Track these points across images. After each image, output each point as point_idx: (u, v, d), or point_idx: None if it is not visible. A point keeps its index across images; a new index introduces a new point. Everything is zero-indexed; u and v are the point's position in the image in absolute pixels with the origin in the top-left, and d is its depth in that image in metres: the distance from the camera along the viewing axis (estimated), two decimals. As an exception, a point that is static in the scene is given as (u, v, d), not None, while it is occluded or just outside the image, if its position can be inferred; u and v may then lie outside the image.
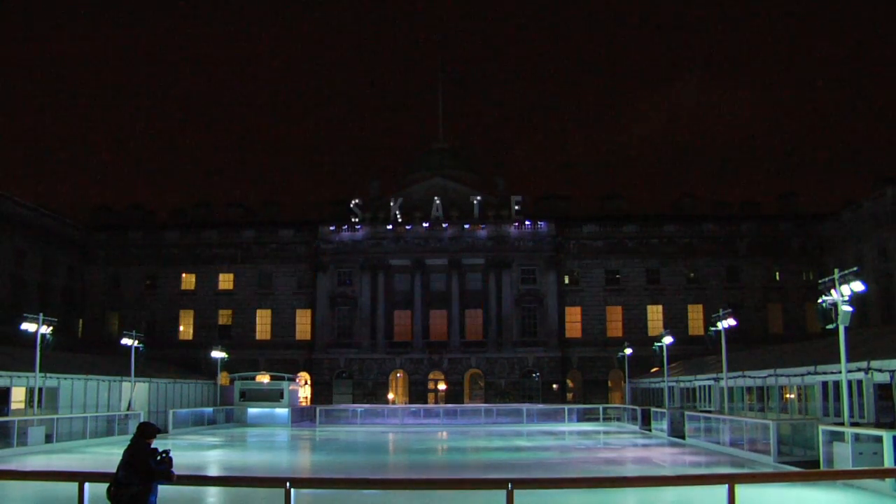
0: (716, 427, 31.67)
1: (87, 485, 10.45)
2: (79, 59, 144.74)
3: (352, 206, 62.10)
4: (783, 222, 62.75)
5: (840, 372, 22.51)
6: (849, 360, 22.23)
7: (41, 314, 32.92)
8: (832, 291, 21.34)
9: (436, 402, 60.19)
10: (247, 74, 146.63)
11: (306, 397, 61.26)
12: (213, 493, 18.09)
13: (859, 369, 24.45)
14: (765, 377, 33.24)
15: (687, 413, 36.25)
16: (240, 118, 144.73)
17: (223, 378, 56.31)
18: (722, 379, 34.75)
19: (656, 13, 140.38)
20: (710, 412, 35.50)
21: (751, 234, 62.33)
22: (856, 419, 24.09)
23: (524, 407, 52.87)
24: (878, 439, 18.41)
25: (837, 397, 25.40)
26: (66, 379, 38.05)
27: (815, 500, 17.96)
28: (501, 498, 9.79)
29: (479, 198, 62.03)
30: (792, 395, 31.60)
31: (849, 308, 20.94)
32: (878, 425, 21.66)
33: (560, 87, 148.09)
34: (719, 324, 32.92)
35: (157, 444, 10.64)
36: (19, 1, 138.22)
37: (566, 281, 62.67)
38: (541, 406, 54.25)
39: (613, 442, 36.75)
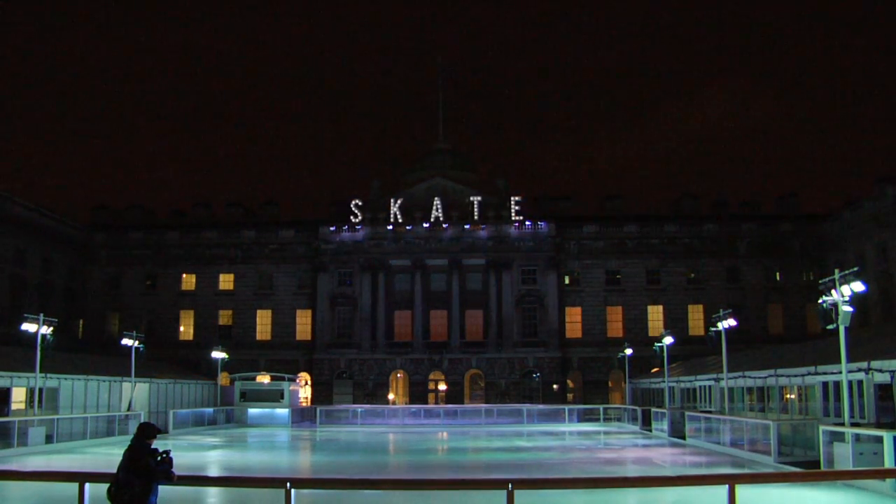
0: (716, 427, 31.66)
1: (87, 485, 10.44)
2: (79, 59, 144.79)
3: (352, 206, 62.04)
4: (783, 222, 62.71)
5: (840, 372, 22.50)
6: (849, 360, 22.21)
7: (41, 314, 32.88)
8: (832, 292, 21.32)
9: (436, 403, 60.17)
10: (247, 75, 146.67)
11: (306, 398, 61.23)
12: (213, 493, 18.09)
13: (860, 369, 24.44)
14: (765, 377, 33.23)
15: (687, 413, 36.25)
16: (240, 118, 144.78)
17: (223, 378, 56.29)
18: (722, 379, 34.73)
19: (656, 16, 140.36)
20: (710, 412, 35.48)
21: (751, 234, 62.28)
22: (856, 419, 24.07)
23: (524, 407, 52.84)
24: (879, 439, 18.41)
25: (838, 397, 25.38)
26: (66, 379, 38.04)
27: (816, 501, 17.95)
28: (502, 498, 9.78)
29: (479, 198, 61.99)
30: (792, 396, 31.58)
31: (849, 308, 20.92)
32: (878, 425, 21.64)
33: (560, 87, 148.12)
34: (720, 324, 32.89)
35: (158, 444, 10.64)
36: (20, 1, 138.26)
37: (566, 281, 62.65)
38: (541, 406, 54.22)
39: (614, 442, 36.72)
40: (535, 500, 15.14)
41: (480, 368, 61.30)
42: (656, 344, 44.14)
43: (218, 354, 51.82)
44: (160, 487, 10.43)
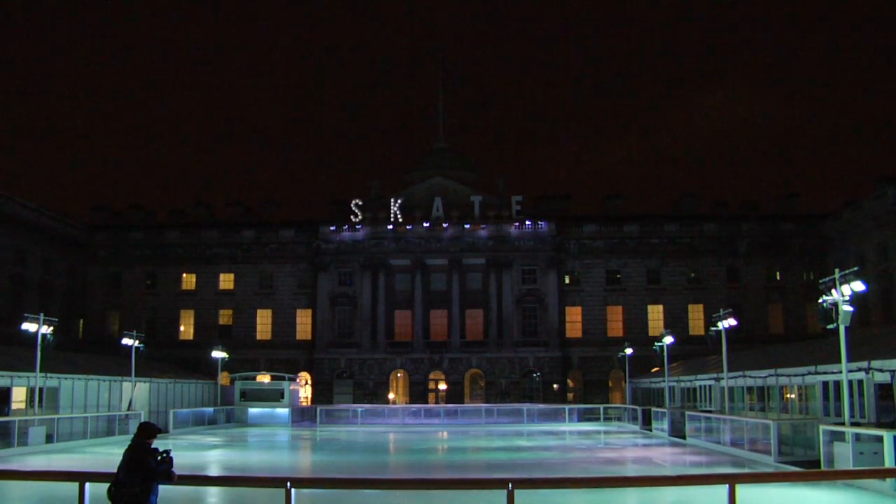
0: (716, 427, 31.66)
1: (87, 485, 10.43)
2: (79, 59, 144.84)
3: (352, 206, 62.06)
4: (784, 222, 62.70)
5: (841, 372, 22.50)
6: (849, 359, 22.20)
7: (42, 314, 32.92)
8: (833, 291, 21.31)
9: (436, 402, 60.17)
10: (247, 74, 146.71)
11: (307, 397, 61.24)
12: (213, 493, 18.09)
13: (860, 369, 24.45)
14: (765, 377, 33.23)
15: (687, 413, 36.24)
16: (240, 118, 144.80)
17: (224, 378, 56.30)
18: (722, 379, 34.74)
19: (657, 17, 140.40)
20: (710, 412, 35.48)
21: (751, 233, 62.27)
22: (856, 419, 24.08)
23: (524, 407, 52.84)
24: (879, 439, 18.41)
25: (838, 397, 25.39)
26: (66, 379, 38.04)
27: (816, 500, 17.96)
28: (502, 498, 9.77)
29: (479, 198, 62.00)
30: (792, 395, 31.59)
31: (849, 308, 20.91)
32: (878, 425, 21.65)
33: (561, 87, 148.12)
34: (720, 324, 32.88)
35: (158, 444, 10.63)
36: (21, 1, 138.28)
37: (567, 281, 62.64)
38: (541, 406, 54.21)
39: (614, 442, 36.74)
40: (535, 500, 15.14)
41: (481, 368, 61.30)
42: (656, 344, 44.15)
43: (218, 354, 51.82)
44: (160, 487, 10.43)
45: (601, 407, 53.22)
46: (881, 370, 23.67)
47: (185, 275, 64.69)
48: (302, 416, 52.39)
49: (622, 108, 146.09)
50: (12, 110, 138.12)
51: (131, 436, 10.66)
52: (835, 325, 21.34)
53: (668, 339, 42.45)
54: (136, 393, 42.55)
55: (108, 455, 26.42)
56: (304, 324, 63.66)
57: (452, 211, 61.81)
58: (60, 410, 36.45)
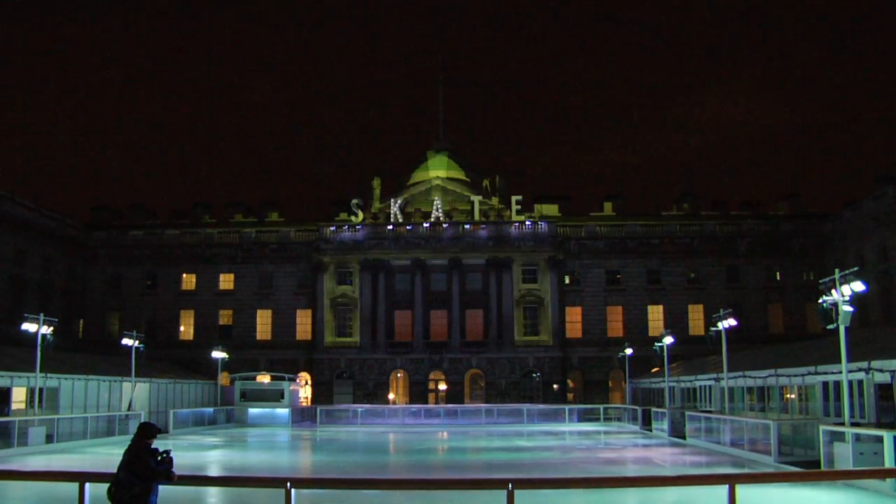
0: (716, 427, 31.67)
1: (87, 485, 10.43)
2: (79, 58, 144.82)
3: (352, 205, 62.09)
4: (784, 222, 62.72)
5: (841, 372, 22.51)
6: (849, 360, 22.21)
7: (41, 314, 32.92)
8: (833, 291, 21.31)
9: (436, 403, 60.15)
10: (247, 74, 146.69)
11: (307, 397, 61.23)
12: (213, 493, 18.10)
13: (860, 369, 24.45)
14: (765, 377, 33.24)
15: (687, 413, 36.26)
16: (240, 118, 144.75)
17: (224, 378, 56.30)
18: (722, 379, 34.74)
19: (659, 18, 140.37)
20: (710, 412, 35.49)
21: (751, 233, 62.27)
22: (856, 419, 24.08)
23: (524, 407, 52.86)
24: (879, 439, 18.41)
25: (838, 397, 25.39)
26: (66, 379, 38.05)
27: (816, 501, 17.96)
28: (502, 498, 9.77)
29: (479, 198, 62.00)
30: (792, 395, 31.59)
31: (849, 308, 20.91)
32: (878, 425, 21.65)
33: (561, 86, 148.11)
34: (720, 324, 32.90)
35: (158, 444, 10.64)
36: (21, 1, 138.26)
37: (566, 281, 62.62)
38: (541, 406, 54.23)
39: (614, 442, 36.74)
40: (535, 500, 15.14)
41: (480, 368, 61.28)
42: (656, 344, 44.14)
43: (218, 354, 51.83)
44: (160, 487, 10.43)
45: (601, 407, 53.23)
46: (881, 370, 23.67)
47: (185, 275, 64.65)
48: (302, 416, 52.40)
49: (622, 108, 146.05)
50: (12, 110, 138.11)
51: (131, 436, 10.66)
52: (835, 325, 21.35)
53: (668, 340, 42.44)
54: (136, 393, 42.55)
55: (108, 455, 26.42)
56: (304, 324, 63.63)
57: (452, 211, 61.79)
58: (60, 411, 36.45)
